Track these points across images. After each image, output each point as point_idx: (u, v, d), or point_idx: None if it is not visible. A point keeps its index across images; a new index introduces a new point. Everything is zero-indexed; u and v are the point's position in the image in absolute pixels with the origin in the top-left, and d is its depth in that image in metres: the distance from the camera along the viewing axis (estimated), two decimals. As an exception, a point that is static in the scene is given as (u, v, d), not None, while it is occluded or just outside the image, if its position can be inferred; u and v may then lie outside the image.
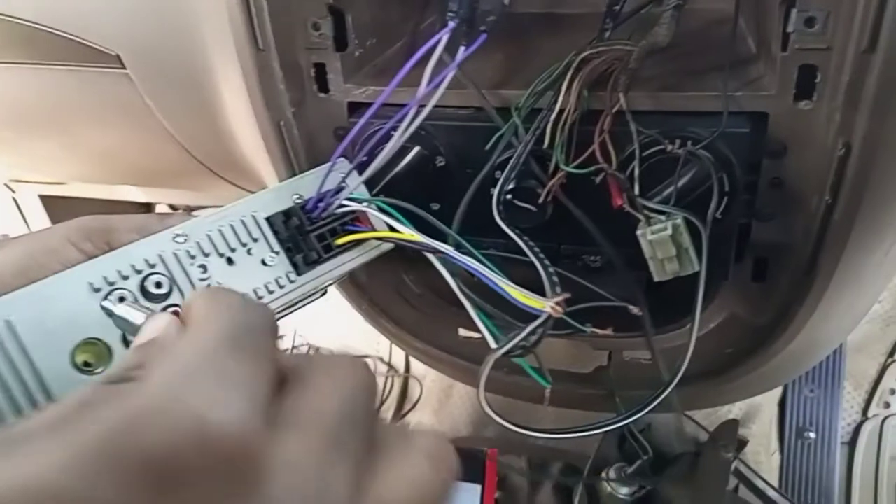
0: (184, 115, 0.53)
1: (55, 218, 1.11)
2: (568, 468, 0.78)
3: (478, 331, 0.59)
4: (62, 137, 0.63)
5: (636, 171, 0.38)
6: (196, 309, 0.20)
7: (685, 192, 0.38)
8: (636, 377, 0.57)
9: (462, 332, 0.61)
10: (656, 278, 0.38)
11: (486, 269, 0.33)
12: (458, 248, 0.35)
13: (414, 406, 1.11)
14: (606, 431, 0.42)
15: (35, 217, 1.12)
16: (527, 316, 0.33)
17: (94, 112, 0.57)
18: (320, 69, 0.45)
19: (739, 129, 0.38)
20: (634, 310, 0.36)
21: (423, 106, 0.36)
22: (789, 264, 0.43)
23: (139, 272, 0.33)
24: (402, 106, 0.38)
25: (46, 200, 1.09)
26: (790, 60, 0.37)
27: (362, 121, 0.38)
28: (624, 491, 0.63)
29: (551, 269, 0.33)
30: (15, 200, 1.11)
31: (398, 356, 1.17)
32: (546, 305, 0.31)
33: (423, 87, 0.35)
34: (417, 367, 1.14)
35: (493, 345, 0.35)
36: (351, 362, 0.20)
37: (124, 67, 0.50)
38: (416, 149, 0.43)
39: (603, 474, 0.65)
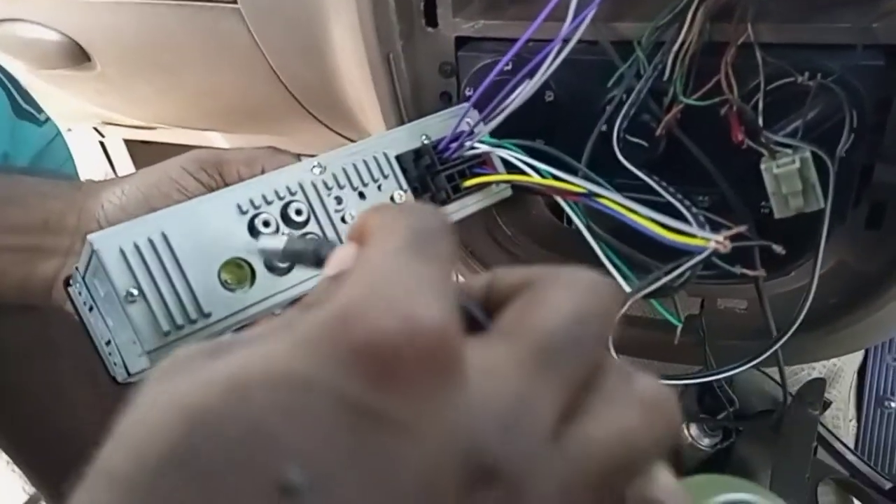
0: (290, 52, 0.54)
1: (139, 163, 1.15)
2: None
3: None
4: (164, 76, 0.65)
5: (760, 104, 0.37)
6: (371, 222, 0.19)
7: (810, 127, 0.37)
8: (729, 326, 0.56)
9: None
10: (777, 215, 0.37)
11: (628, 210, 0.31)
12: (591, 194, 0.34)
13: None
14: (732, 373, 0.41)
15: (121, 163, 1.16)
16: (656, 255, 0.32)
17: (200, 50, 0.58)
18: (430, 2, 0.45)
19: (874, 62, 0.37)
20: (778, 248, 0.33)
21: (566, 41, 0.35)
22: (910, 210, 0.42)
23: (281, 198, 0.34)
24: (511, 41, 0.38)
25: (131, 145, 1.13)
26: (937, -12, 0.35)
27: (506, 57, 0.37)
28: (706, 442, 0.63)
29: (690, 204, 0.32)
30: (102, 144, 1.15)
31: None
32: (711, 241, 0.28)
33: (567, 23, 0.34)
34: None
35: (626, 288, 0.35)
36: (595, 280, 0.17)
37: (235, 2, 0.51)
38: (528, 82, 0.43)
39: (684, 426, 0.65)
